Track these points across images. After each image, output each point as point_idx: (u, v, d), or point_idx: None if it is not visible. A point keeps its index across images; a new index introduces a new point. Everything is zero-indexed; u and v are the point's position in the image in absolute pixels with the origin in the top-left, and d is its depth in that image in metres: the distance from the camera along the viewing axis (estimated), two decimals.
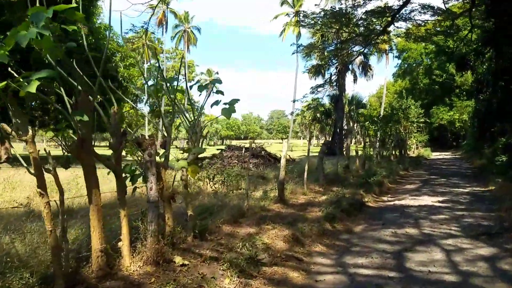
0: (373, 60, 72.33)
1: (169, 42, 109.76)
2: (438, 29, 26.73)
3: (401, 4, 22.53)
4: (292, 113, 30.73)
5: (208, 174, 10.55)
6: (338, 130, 36.23)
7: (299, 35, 53.08)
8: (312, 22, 27.83)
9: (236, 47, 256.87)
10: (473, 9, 22.12)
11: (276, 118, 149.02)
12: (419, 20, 24.80)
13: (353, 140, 55.71)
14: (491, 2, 18.04)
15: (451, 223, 8.28)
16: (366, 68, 37.78)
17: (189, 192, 6.00)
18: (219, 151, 18.22)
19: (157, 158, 4.77)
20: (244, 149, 18.11)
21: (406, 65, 60.34)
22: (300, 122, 71.64)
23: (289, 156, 20.33)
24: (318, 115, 39.66)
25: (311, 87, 31.76)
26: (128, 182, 4.78)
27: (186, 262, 4.50)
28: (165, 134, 5.38)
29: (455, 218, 8.81)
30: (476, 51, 19.95)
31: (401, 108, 29.95)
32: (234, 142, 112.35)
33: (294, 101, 31.75)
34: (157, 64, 68.41)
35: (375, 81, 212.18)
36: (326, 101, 38.61)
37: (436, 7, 23.25)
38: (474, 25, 23.18)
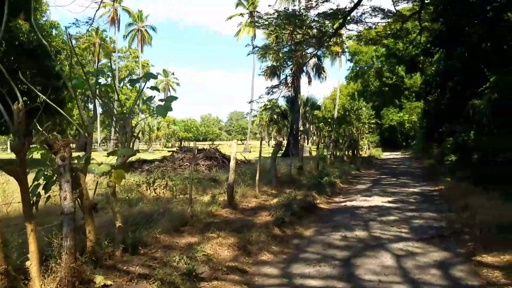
0: (326, 63, 73.84)
1: (121, 41, 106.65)
2: (389, 31, 27.39)
3: (352, 6, 22.79)
4: (247, 114, 30.28)
5: (147, 178, 9.84)
6: (294, 131, 36.29)
7: (254, 37, 53.02)
8: (266, 23, 27.69)
9: (197, 47, 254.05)
10: (422, 11, 22.70)
11: (236, 119, 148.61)
12: (370, 22, 25.25)
13: (309, 141, 56.31)
14: (441, 3, 18.47)
15: (402, 224, 8.14)
16: (320, 70, 38.16)
17: (117, 199, 5.36)
18: (171, 153, 17.49)
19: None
20: (197, 150, 17.47)
21: (358, 68, 61.80)
22: (258, 123, 71.58)
23: (245, 157, 19.96)
24: (275, 116, 39.58)
25: (266, 87, 31.61)
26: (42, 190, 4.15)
27: (109, 282, 3.92)
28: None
29: (406, 219, 8.71)
30: (426, 51, 20.39)
31: (353, 110, 30.42)
32: (192, 144, 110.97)
33: (250, 102, 31.31)
34: (109, 64, 66.11)
35: (329, 83, 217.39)
36: (282, 102, 38.63)
37: (386, 9, 23.73)
38: (423, 27, 23.83)
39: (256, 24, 28.90)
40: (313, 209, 9.97)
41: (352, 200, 11.70)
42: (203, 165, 15.39)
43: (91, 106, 71.14)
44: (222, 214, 8.38)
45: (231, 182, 8.89)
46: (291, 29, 29.37)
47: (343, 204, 11.17)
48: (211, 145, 19.13)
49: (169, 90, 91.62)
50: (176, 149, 18.28)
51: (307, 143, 40.11)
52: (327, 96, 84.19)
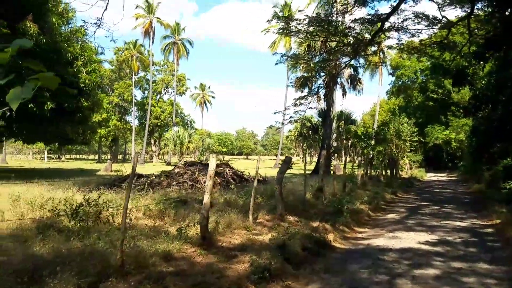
0: (366, 77, 70.55)
1: (157, 54, 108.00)
2: (433, 40, 24.59)
3: (391, 10, 20.28)
4: (277, 129, 27.94)
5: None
6: (325, 147, 33.53)
7: (290, 50, 50.90)
8: (295, 29, 25.51)
9: (237, 64, 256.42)
10: (472, 16, 19.93)
11: (272, 134, 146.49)
12: (412, 29, 22.50)
13: (346, 159, 53.09)
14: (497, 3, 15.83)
15: (445, 286, 5.50)
16: (355, 82, 35.27)
17: None
18: (173, 167, 15.46)
19: None
20: (202, 165, 15.33)
21: (400, 82, 58.12)
22: (293, 138, 68.98)
23: (260, 175, 17.57)
24: (304, 130, 36.98)
25: (294, 99, 29.26)
26: None
27: None
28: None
29: (451, 275, 6.03)
30: (478, 54, 17.56)
31: (391, 125, 27.37)
32: (226, 158, 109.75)
33: (275, 113, 28.96)
34: (147, 77, 66.10)
35: (369, 100, 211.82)
36: (310, 114, 36.08)
37: (431, 16, 21.01)
38: (472, 34, 20.95)
39: (284, 31, 26.70)
40: (322, 250, 7.44)
41: (379, 237, 9.04)
42: (204, 181, 13.16)
43: (128, 118, 71.42)
44: (187, 255, 6.07)
45: (205, 209, 6.58)
46: (324, 36, 27.04)
47: (365, 242, 8.55)
48: (222, 160, 16.96)
49: (205, 104, 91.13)
50: (182, 163, 16.25)
51: (342, 161, 37.20)
52: (366, 112, 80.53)
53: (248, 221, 8.23)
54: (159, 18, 57.86)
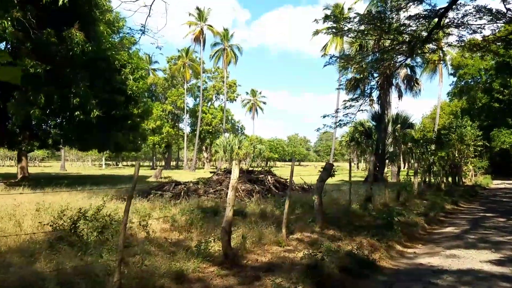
0: (424, 78, 66.99)
1: (207, 61, 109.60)
2: (498, 36, 22.41)
3: (448, 4, 18.62)
4: (318, 129, 26.75)
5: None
6: (379, 152, 31.72)
7: (342, 51, 49.27)
8: (345, 28, 24.36)
9: (290, 70, 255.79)
10: None
11: (325, 140, 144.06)
12: (474, 25, 20.58)
13: (403, 165, 50.30)
14: None
15: None
16: (412, 83, 33.09)
17: None
18: (212, 174, 14.92)
19: None
20: (242, 171, 14.64)
21: (462, 83, 54.40)
22: (344, 144, 66.92)
23: (305, 182, 16.65)
24: (357, 135, 35.30)
25: (343, 101, 27.88)
26: None
27: None
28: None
29: None
30: None
31: (452, 128, 25.22)
32: (278, 164, 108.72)
33: (324, 117, 27.74)
34: (198, 84, 67.06)
35: (428, 102, 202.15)
36: (364, 118, 34.38)
37: (494, 9, 19.06)
38: None
39: (333, 30, 25.53)
40: (364, 271, 6.43)
41: (433, 255, 7.82)
42: (242, 190, 12.46)
43: (181, 125, 72.85)
44: (204, 276, 5.36)
45: (227, 223, 5.83)
46: (377, 35, 25.60)
47: (417, 261, 7.39)
48: (264, 167, 16.21)
49: (256, 110, 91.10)
50: (222, 169, 15.67)
51: (404, 167, 35.18)
52: (426, 115, 76.36)
53: (281, 234, 7.37)
54: (210, 25, 58.61)
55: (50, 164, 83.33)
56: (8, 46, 19.01)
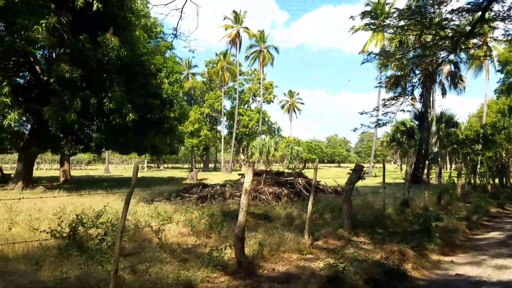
0: (469, 75, 63.76)
1: (244, 63, 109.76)
2: None
3: None
4: (355, 129, 25.80)
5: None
6: (422, 153, 30.27)
7: (382, 49, 47.71)
8: (383, 24, 23.45)
9: (329, 70, 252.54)
10: None
11: (367, 140, 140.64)
12: None
13: (447, 166, 48.01)
14: None
15: None
16: (456, 80, 31.36)
17: None
18: (240, 176, 14.55)
19: None
20: (271, 174, 14.22)
21: (510, 80, 51.14)
22: (384, 144, 64.91)
23: (338, 185, 15.98)
24: (398, 135, 33.89)
25: (382, 100, 26.73)
26: None
27: None
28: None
29: None
30: None
31: (499, 128, 23.60)
32: (320, 165, 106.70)
33: (361, 113, 26.63)
34: (235, 87, 67.34)
35: (475, 100, 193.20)
36: (406, 118, 32.97)
37: None
38: None
39: (371, 26, 24.63)
40: (393, 283, 5.83)
41: (473, 264, 7.05)
42: (270, 193, 12.01)
43: (219, 127, 73.35)
44: (214, 286, 4.99)
45: (240, 229, 5.44)
46: (418, 30, 24.50)
47: (454, 271, 6.68)
48: (294, 168, 15.69)
49: (294, 111, 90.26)
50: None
51: (444, 168, 33.50)
52: (473, 114, 72.63)
53: (303, 241, 6.88)
54: (246, 28, 58.55)
55: (96, 167, 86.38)
56: (45, 52, 19.56)
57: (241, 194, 11.76)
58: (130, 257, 5.64)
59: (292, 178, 13.48)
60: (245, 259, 5.48)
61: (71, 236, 5.40)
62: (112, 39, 18.91)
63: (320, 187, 14.60)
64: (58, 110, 17.88)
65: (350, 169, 8.48)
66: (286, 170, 15.48)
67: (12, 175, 24.87)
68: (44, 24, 16.05)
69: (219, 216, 8.17)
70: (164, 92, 24.17)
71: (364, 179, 8.67)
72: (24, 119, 21.59)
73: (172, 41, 27.50)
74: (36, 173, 56.85)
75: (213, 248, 5.81)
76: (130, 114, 20.25)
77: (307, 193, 13.60)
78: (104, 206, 7.02)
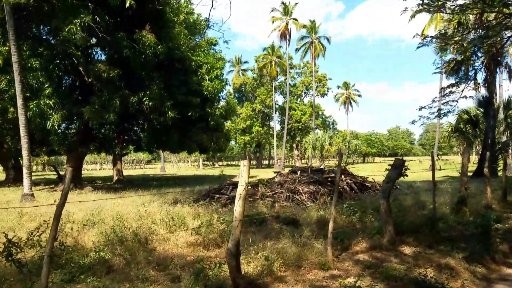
0: None
1: (295, 56, 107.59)
2: None
3: None
4: (413, 122, 23.66)
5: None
6: (489, 143, 27.34)
7: (440, 31, 44.24)
8: (440, 2, 21.31)
9: (388, 60, 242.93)
10: None
11: (432, 131, 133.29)
12: None
13: None
14: None
15: None
16: None
17: None
18: (275, 174, 13.44)
19: None
20: (312, 171, 13.00)
21: None
22: (446, 135, 60.53)
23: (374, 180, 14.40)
24: (461, 125, 30.97)
25: (441, 88, 24.23)
26: None
27: None
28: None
29: None
30: None
31: None
32: (377, 160, 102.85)
33: (420, 109, 24.48)
34: (286, 81, 66.12)
35: None
36: (465, 105, 30.06)
37: None
38: None
39: (424, 6, 22.48)
40: None
41: None
42: (305, 192, 10.83)
43: (271, 123, 72.53)
44: None
45: (233, 243, 4.41)
46: (478, 9, 22.03)
47: None
48: (348, 163, 14.32)
49: (350, 103, 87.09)
50: (289, 169, 14.15)
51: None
52: None
53: (329, 253, 5.72)
54: (296, 19, 56.94)
55: (155, 166, 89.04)
56: (85, 53, 19.65)
57: (273, 193, 10.75)
58: (110, 274, 4.84)
59: (333, 175, 12.20)
60: (242, 279, 4.46)
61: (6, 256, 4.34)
62: (149, 36, 18.61)
63: (367, 184, 13.14)
64: (98, 110, 17.86)
65: (389, 165, 7.14)
66: (327, 166, 14.16)
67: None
68: (78, 24, 16.02)
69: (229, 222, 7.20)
70: (205, 89, 23.63)
71: (407, 176, 7.28)
72: (69, 121, 21.97)
73: (205, 31, 26.76)
74: (97, 173, 59.59)
75: (202, 266, 4.85)
76: (170, 112, 19.90)
77: (352, 192, 12.28)
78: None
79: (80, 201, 6.29)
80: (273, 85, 66.13)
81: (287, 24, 56.17)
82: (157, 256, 5.52)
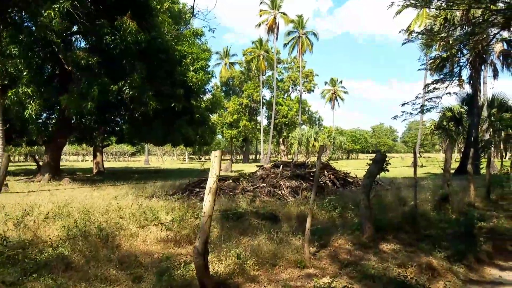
0: None
1: (281, 51, 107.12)
2: None
3: None
4: (395, 117, 23.60)
5: None
6: (472, 141, 27.47)
7: (426, 27, 44.35)
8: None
9: (375, 58, 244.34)
10: None
11: (415, 129, 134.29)
12: None
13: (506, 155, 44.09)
14: None
15: None
16: (509, 59, 28.06)
17: None
18: (258, 168, 13.14)
19: None
20: (294, 166, 12.74)
21: None
22: (428, 132, 61.03)
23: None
24: (444, 122, 31.06)
25: (426, 84, 24.23)
26: None
27: None
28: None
29: None
30: None
31: None
32: (361, 156, 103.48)
33: (403, 104, 24.42)
34: (274, 76, 65.76)
35: None
36: (454, 104, 30.21)
37: None
38: None
39: (412, 1, 22.28)
40: None
41: None
42: (287, 187, 10.56)
43: (258, 118, 72.13)
44: None
45: (201, 240, 4.07)
46: (465, 5, 21.95)
47: None
48: (331, 159, 14.06)
49: (337, 100, 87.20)
50: (270, 164, 13.87)
51: (505, 157, 30.47)
52: None
53: (304, 251, 5.42)
54: (284, 13, 56.51)
55: (139, 159, 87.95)
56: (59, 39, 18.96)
57: (254, 188, 10.43)
58: (67, 272, 4.46)
59: (313, 170, 11.95)
60: (210, 279, 4.13)
61: None
62: (130, 23, 18.02)
63: (349, 179, 12.93)
64: (76, 99, 17.27)
65: (370, 159, 6.88)
66: (313, 162, 13.94)
67: None
68: (57, 9, 15.40)
69: (217, 215, 6.88)
70: (189, 80, 23.10)
71: (388, 171, 7.04)
72: (49, 111, 21.31)
73: (189, 21, 26.24)
74: (78, 164, 58.50)
75: (168, 266, 4.51)
76: (152, 102, 19.38)
77: (334, 187, 12.05)
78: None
79: (49, 190, 5.87)
80: (261, 79, 65.72)
81: (274, 18, 55.76)
82: (122, 254, 5.16)
